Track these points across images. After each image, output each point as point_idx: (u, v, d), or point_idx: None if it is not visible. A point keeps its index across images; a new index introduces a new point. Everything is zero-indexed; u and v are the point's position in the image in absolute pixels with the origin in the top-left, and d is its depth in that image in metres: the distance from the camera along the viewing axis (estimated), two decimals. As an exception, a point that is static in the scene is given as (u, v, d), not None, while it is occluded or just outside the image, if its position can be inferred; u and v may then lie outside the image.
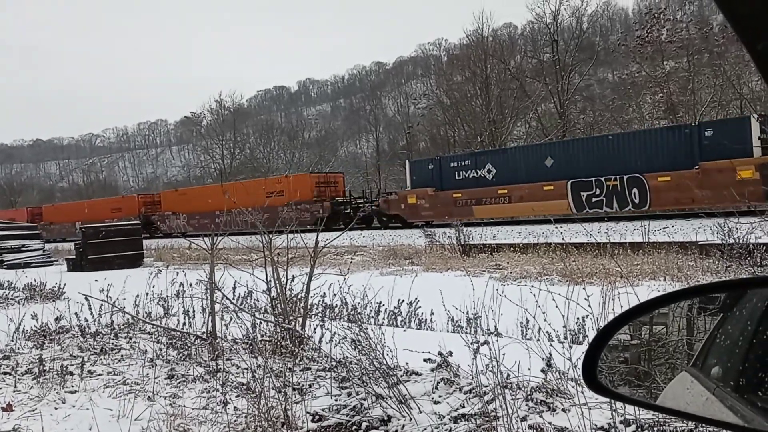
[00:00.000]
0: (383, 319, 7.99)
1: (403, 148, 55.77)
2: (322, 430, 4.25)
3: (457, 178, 27.85)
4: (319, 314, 7.38)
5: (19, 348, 6.62)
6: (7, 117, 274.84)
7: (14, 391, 5.17)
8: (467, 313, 6.16)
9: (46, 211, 54.36)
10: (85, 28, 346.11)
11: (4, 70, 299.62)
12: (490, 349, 3.94)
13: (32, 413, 4.61)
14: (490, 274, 13.05)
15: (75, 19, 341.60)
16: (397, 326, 7.76)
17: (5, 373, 5.63)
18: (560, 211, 23.24)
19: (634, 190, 22.16)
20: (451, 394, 4.28)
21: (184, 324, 6.78)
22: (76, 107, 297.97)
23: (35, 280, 13.32)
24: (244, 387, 4.93)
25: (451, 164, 28.50)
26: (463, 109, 43.85)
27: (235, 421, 4.26)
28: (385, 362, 4.88)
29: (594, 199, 23.29)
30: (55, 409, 4.74)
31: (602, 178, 22.87)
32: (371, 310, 7.97)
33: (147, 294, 7.75)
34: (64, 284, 12.41)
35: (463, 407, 4.03)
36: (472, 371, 4.15)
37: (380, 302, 7.84)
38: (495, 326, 5.55)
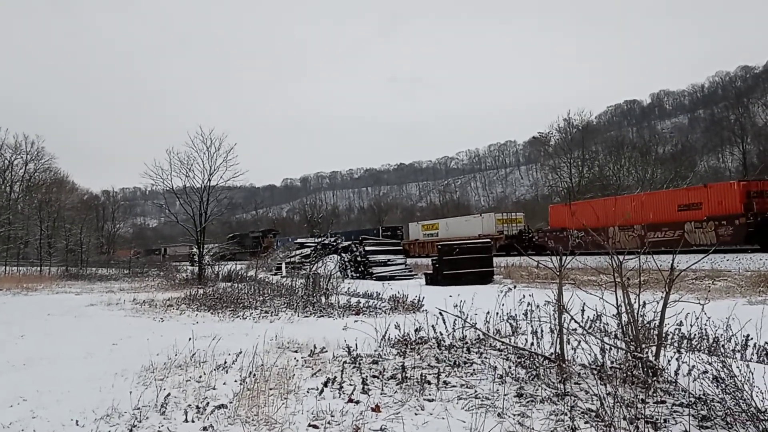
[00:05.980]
0: (752, 354, 7.12)
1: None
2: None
3: None
4: (675, 344, 6.89)
5: (385, 354, 7.35)
6: (376, 145, 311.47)
7: (381, 394, 5.68)
8: None
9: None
10: (444, 60, 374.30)
11: (390, 102, 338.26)
12: None
13: (396, 416, 5.04)
14: None
15: (437, 52, 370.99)
16: (770, 364, 6.85)
17: (374, 377, 6.26)
18: None
19: None
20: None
21: (533, 344, 6.85)
22: (434, 133, 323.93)
23: (398, 293, 14.72)
24: (593, 414, 4.80)
25: None
26: None
27: (584, 448, 4.17)
28: (754, 404, 4.38)
29: None
30: (415, 414, 5.09)
31: None
32: (736, 344, 7.20)
33: (497, 313, 8.03)
34: (423, 297, 13.49)
35: None
36: None
37: (748, 335, 7.02)
38: None
